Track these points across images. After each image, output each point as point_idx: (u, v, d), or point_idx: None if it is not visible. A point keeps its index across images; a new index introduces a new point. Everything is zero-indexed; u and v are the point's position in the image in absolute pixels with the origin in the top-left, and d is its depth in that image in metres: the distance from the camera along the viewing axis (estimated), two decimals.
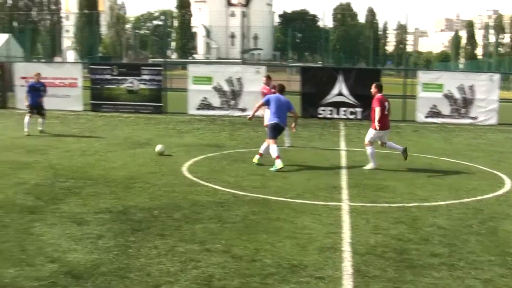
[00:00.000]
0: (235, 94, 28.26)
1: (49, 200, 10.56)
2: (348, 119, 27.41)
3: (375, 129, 14.63)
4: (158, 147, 16.32)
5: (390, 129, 15.38)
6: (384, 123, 14.67)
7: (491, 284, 6.97)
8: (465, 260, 7.76)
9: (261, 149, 14.93)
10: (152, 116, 27.83)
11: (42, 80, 21.54)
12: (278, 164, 13.99)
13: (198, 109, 28.55)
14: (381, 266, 7.42)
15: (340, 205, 10.64)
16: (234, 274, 7.02)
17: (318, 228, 9.09)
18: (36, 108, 20.76)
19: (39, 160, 14.80)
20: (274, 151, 14.30)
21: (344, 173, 13.98)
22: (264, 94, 17.10)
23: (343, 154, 17.32)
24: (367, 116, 26.34)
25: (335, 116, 27.56)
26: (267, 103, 15.06)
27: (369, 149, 14.71)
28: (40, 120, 20.68)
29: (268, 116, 15.34)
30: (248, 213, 9.92)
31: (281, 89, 15.26)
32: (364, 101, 26.87)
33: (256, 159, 14.85)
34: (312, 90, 28.13)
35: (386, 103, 14.88)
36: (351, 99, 27.45)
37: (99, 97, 29.76)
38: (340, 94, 27.60)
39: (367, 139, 14.83)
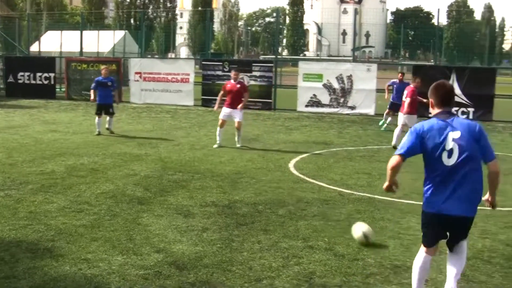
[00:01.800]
0: (345, 92, 28.03)
1: (158, 192, 10.85)
2: None
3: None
4: (361, 230, 8.15)
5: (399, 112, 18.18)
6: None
7: None
8: None
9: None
10: (261, 112, 28.03)
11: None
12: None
13: (307, 106, 28.48)
14: (487, 272, 7.19)
15: None
16: (335, 272, 6.99)
17: None
18: (104, 107, 18.93)
19: (149, 153, 15.22)
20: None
21: None
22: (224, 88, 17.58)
23: None
24: (480, 116, 25.62)
25: None
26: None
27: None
28: (107, 118, 18.96)
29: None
30: (352, 211, 9.85)
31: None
32: (477, 100, 26.12)
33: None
34: (424, 89, 27.50)
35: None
36: (463, 99, 26.61)
37: (210, 93, 30.15)
38: None
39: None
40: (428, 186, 5.88)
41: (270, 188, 11.42)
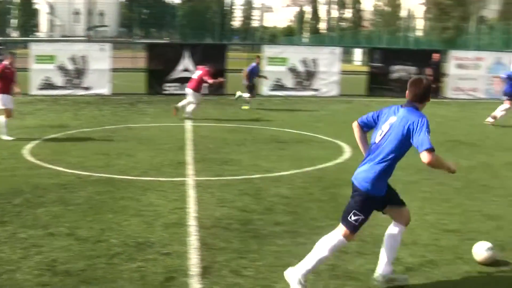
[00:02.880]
0: (79, 73, 27.51)
1: None
2: None
3: None
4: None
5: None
6: None
7: None
8: (307, 227, 8.09)
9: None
10: None
11: None
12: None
13: (40, 89, 27.50)
14: (226, 238, 7.55)
15: (185, 181, 10.69)
16: (79, 257, 6.90)
17: (163, 204, 9.10)
18: None
19: None
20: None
21: (189, 148, 14.03)
22: None
23: (188, 129, 17.35)
24: (213, 91, 26.51)
25: (181, 92, 27.44)
26: None
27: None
28: None
29: None
30: (92, 193, 9.76)
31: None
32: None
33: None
34: (159, 67, 27.93)
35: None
36: None
37: None
38: (186, 70, 27.57)
39: None
40: None
41: (3, 178, 10.91)
